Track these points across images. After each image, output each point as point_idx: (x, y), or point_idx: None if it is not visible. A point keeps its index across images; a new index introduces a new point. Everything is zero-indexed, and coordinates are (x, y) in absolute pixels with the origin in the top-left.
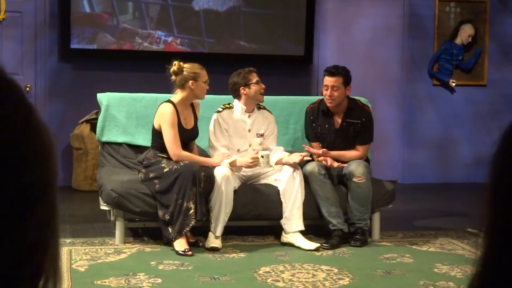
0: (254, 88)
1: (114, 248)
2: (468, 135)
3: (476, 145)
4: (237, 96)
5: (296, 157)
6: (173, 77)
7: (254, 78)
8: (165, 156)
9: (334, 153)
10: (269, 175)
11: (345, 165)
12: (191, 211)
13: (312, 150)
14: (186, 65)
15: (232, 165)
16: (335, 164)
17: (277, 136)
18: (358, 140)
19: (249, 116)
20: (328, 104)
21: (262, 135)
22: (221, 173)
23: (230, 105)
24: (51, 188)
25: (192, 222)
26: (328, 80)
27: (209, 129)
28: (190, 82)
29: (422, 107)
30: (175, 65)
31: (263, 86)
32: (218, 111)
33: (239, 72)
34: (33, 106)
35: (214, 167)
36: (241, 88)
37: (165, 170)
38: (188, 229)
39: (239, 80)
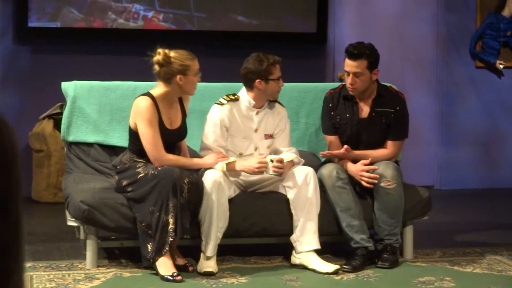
0: (272, 85)
1: (84, 273)
2: None
3: None
4: (249, 86)
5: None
6: (157, 68)
7: (277, 73)
8: (144, 161)
9: (358, 152)
10: (276, 180)
11: (374, 180)
12: (170, 227)
13: (333, 153)
14: (173, 54)
15: (230, 168)
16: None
17: (289, 134)
18: (390, 135)
19: (257, 113)
20: (350, 92)
21: (271, 136)
22: (211, 178)
23: (236, 96)
24: (13, 203)
25: (170, 239)
26: (349, 65)
27: (205, 126)
28: (178, 76)
29: (462, 94)
30: (159, 54)
31: (283, 83)
32: (220, 104)
33: (261, 59)
34: None
35: (202, 172)
36: (257, 80)
37: (140, 175)
38: (167, 248)
39: (259, 69)
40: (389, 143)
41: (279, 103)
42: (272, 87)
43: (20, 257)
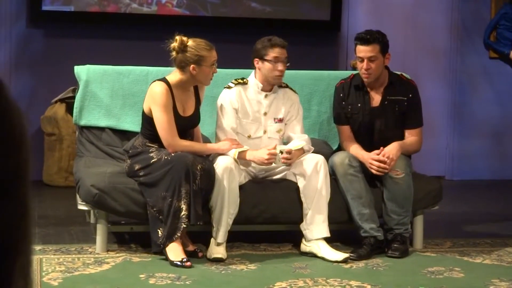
0: (268, 65)
1: (94, 257)
2: None
3: None
4: (253, 66)
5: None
6: (174, 54)
7: (273, 53)
8: (156, 146)
9: (400, 146)
10: (286, 168)
11: (384, 170)
12: (182, 213)
13: (376, 158)
14: (190, 43)
15: (241, 156)
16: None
17: (302, 120)
18: (408, 123)
19: (265, 96)
20: (365, 79)
21: (281, 121)
22: (222, 164)
23: (244, 80)
24: (21, 182)
25: (183, 226)
26: (363, 50)
27: (217, 111)
28: (192, 66)
29: (475, 85)
30: (176, 41)
31: (281, 68)
32: (229, 87)
33: (263, 40)
34: (2, 81)
35: (213, 158)
36: (255, 58)
37: (153, 160)
38: (179, 234)
39: (258, 47)
40: (413, 132)
41: (291, 89)
42: (266, 68)
43: (28, 238)
